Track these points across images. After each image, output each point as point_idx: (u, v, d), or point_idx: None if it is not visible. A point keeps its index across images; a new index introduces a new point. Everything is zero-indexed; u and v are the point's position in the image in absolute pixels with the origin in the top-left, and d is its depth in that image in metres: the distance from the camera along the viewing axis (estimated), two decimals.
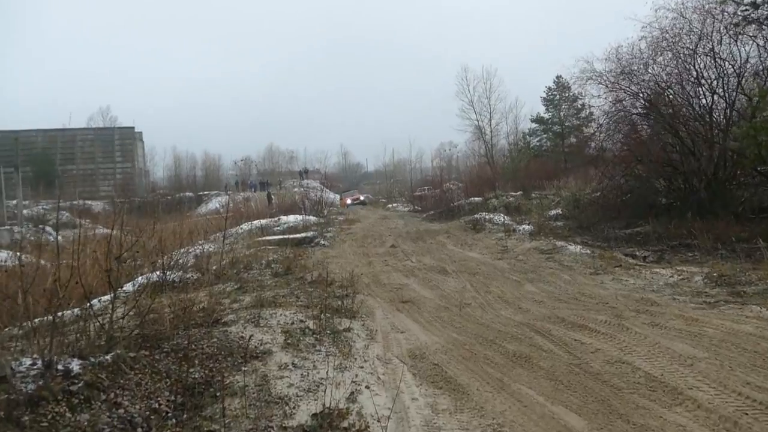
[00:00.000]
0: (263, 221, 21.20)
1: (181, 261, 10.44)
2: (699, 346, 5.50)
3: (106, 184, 63.97)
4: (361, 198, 51.23)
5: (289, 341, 6.09)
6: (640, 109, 17.26)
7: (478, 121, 50.16)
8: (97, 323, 5.34)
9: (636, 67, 17.04)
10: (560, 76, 46.83)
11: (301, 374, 5.14)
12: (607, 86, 17.39)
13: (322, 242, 16.93)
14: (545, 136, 48.33)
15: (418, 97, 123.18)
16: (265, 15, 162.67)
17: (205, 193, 57.44)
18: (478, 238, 16.51)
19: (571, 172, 39.21)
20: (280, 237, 16.54)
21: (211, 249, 13.58)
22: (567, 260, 11.42)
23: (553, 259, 11.62)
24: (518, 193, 25.76)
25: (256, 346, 5.74)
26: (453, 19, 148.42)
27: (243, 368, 5.20)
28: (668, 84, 16.57)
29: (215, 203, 49.77)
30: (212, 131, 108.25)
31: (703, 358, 5.17)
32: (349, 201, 47.62)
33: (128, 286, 10.12)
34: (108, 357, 4.61)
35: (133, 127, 67.05)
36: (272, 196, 39.77)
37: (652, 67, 16.65)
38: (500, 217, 18.54)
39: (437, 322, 7.41)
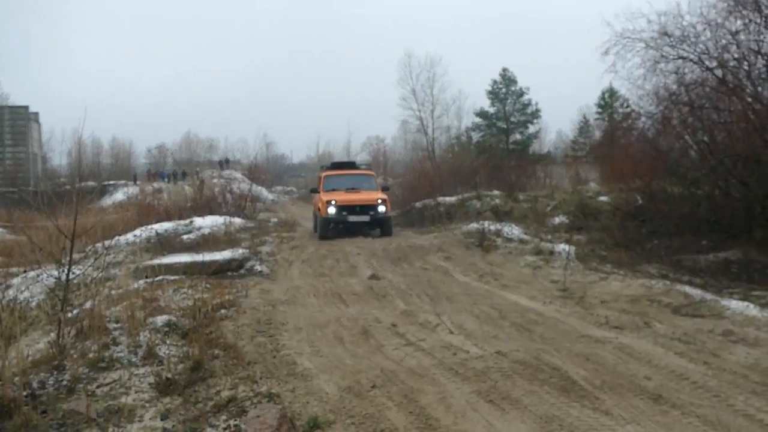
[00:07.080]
0: (167, 225, 14.04)
1: None
2: None
3: None
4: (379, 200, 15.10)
5: None
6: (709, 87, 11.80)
7: (419, 111, 44.53)
8: None
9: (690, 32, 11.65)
10: (507, 69, 42.18)
11: None
12: (662, 54, 11.82)
13: (258, 267, 10.16)
14: (489, 131, 43.36)
15: (359, 89, 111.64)
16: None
17: (111, 183, 48.22)
18: (495, 263, 10.41)
19: (515, 170, 34.33)
20: (191, 260, 9.59)
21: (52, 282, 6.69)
22: None
23: (740, 339, 5.54)
24: (494, 192, 19.92)
25: None
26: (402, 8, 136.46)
27: None
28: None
29: (121, 194, 41.56)
30: (124, 117, 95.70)
31: None
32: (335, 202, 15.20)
33: None
34: None
35: (28, 107, 55.84)
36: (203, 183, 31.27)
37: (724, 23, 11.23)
38: (512, 229, 12.53)
39: None
